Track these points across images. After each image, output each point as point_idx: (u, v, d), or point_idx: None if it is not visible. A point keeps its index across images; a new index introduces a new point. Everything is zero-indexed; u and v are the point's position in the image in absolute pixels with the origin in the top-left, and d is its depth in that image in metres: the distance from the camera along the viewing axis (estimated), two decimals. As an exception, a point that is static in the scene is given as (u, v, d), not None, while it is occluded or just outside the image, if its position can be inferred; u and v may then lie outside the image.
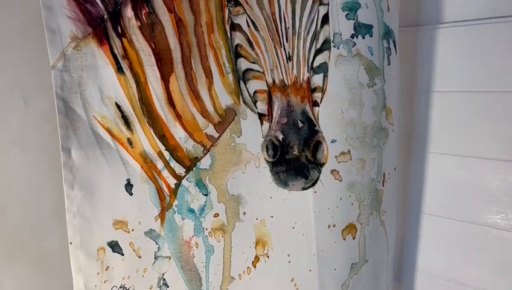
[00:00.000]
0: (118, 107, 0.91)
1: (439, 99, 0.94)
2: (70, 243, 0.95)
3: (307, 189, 0.87)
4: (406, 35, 0.95)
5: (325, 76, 0.85)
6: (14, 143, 1.09)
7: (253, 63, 0.86)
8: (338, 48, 0.84)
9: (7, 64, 1.05)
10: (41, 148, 1.10)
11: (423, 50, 0.96)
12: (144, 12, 0.86)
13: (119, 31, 0.87)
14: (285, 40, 0.84)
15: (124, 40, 0.88)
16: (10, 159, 1.09)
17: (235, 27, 0.85)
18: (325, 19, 0.83)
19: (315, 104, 0.85)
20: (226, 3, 0.85)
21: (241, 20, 0.85)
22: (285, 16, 0.83)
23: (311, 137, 0.84)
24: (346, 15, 0.83)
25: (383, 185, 0.91)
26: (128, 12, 0.86)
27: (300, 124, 0.84)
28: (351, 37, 0.83)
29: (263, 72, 0.85)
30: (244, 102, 0.89)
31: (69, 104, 0.90)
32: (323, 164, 0.86)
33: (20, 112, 1.08)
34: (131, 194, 0.94)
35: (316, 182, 0.86)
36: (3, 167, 1.09)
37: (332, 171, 0.87)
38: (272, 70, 0.85)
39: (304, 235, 0.90)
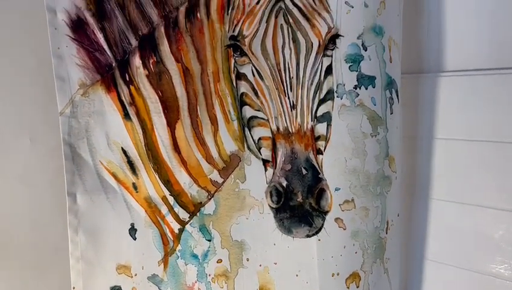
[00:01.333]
0: (124, 152, 0.93)
1: (441, 147, 0.95)
2: (73, 288, 0.95)
3: (310, 236, 0.87)
4: (407, 81, 0.97)
5: (329, 125, 0.86)
6: (19, 181, 1.10)
7: (258, 110, 0.88)
8: (341, 98, 0.85)
9: (14, 104, 1.08)
10: (46, 186, 1.11)
11: (425, 97, 0.98)
12: (151, 61, 0.88)
13: (127, 79, 0.90)
14: (289, 89, 0.86)
15: (131, 87, 0.90)
16: (15, 197, 1.10)
17: (240, 76, 0.87)
18: (329, 70, 0.85)
19: (319, 152, 0.86)
20: (232, 53, 0.87)
21: (247, 70, 0.87)
22: (290, 66, 0.85)
23: (315, 184, 0.85)
24: (349, 67, 0.84)
25: (386, 233, 0.91)
26: (137, 61, 0.89)
27: (304, 171, 0.85)
28: (354, 88, 0.85)
29: (267, 120, 0.87)
30: (249, 148, 0.90)
31: (76, 150, 0.92)
32: (327, 211, 0.86)
33: (26, 151, 1.10)
34: (134, 238, 0.95)
35: (320, 229, 0.86)
36: (8, 205, 1.10)
37: (336, 219, 0.87)
38: (276, 117, 0.86)
39: (307, 284, 0.89)
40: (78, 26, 0.89)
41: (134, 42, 0.88)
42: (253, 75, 0.86)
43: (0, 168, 1.09)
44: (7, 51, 1.05)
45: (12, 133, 1.09)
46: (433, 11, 0.96)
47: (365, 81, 0.85)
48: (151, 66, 0.88)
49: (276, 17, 0.84)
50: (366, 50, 0.85)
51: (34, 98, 1.08)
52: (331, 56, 0.85)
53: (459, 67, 0.94)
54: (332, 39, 0.85)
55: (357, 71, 0.85)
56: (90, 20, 0.88)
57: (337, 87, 0.85)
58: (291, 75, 0.85)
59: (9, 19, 1.03)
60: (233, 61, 0.87)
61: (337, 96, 0.85)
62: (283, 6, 0.84)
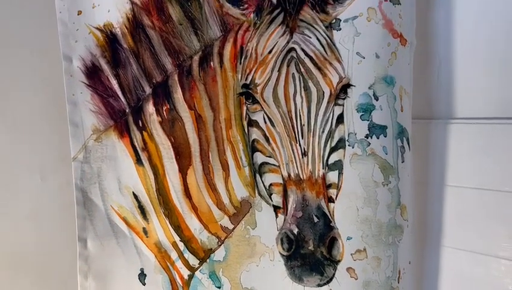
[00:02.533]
0: (135, 197, 0.93)
1: (452, 194, 0.95)
2: (82, 334, 0.94)
3: (322, 286, 0.86)
4: (417, 126, 0.97)
5: (340, 173, 0.86)
6: (28, 219, 1.10)
7: (269, 157, 0.88)
8: (353, 147, 0.85)
9: (25, 141, 1.09)
10: (55, 224, 1.12)
11: (435, 143, 0.98)
12: (165, 108, 0.89)
13: (140, 125, 0.91)
14: (300, 136, 0.86)
15: (144, 133, 0.91)
16: (24, 234, 1.10)
17: (252, 123, 0.88)
18: (340, 119, 0.85)
19: (330, 200, 0.86)
20: (244, 101, 0.88)
21: (258, 117, 0.87)
22: (301, 114, 0.86)
23: (326, 233, 0.84)
24: (361, 116, 0.85)
25: (398, 282, 0.90)
26: (150, 108, 0.90)
27: (315, 219, 0.84)
28: (365, 137, 0.85)
29: (279, 166, 0.87)
30: (260, 194, 0.90)
31: (88, 195, 0.92)
32: (339, 261, 0.85)
33: (36, 188, 1.11)
34: (144, 284, 0.94)
35: (331, 279, 0.85)
36: (17, 242, 1.10)
37: (348, 269, 0.86)
38: (288, 164, 0.86)
39: (318, 333, 0.88)
40: (93, 73, 0.91)
41: (148, 89, 0.90)
42: (265, 122, 0.87)
43: (10, 205, 1.10)
44: (21, 89, 1.07)
45: (23, 171, 1.10)
46: (443, 59, 0.97)
47: (377, 130, 0.86)
48: (165, 112, 0.89)
49: (288, 66, 0.86)
50: (377, 100, 0.85)
51: (45, 136, 1.09)
52: (343, 105, 0.86)
53: (470, 114, 0.95)
54: (344, 89, 0.86)
55: (368, 121, 0.85)
56: (105, 67, 0.90)
57: (348, 136, 0.86)
58: (303, 123, 0.86)
59: (24, 59, 1.05)
60: (245, 108, 0.88)
61: (349, 145, 0.86)
62: (295, 56, 0.86)
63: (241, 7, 0.86)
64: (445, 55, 0.97)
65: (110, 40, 0.90)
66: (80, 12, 0.89)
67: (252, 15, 0.86)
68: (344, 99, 0.86)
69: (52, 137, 1.08)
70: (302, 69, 0.86)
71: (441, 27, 0.97)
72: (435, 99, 1.00)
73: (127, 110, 0.91)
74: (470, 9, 0.93)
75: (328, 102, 0.86)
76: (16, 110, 1.08)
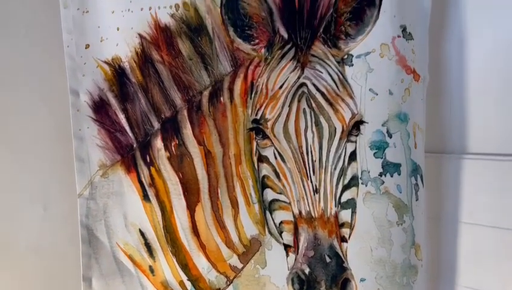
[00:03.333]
0: (142, 234, 0.91)
1: (467, 232, 0.93)
2: None
3: (334, 329, 0.84)
4: (430, 160, 0.95)
5: (353, 212, 0.84)
6: (31, 250, 1.07)
7: (280, 193, 0.86)
8: (366, 185, 0.84)
9: (28, 171, 1.06)
10: (58, 255, 1.09)
11: (448, 178, 0.96)
12: (173, 144, 0.88)
13: (148, 160, 0.89)
14: (312, 172, 0.85)
15: (152, 168, 0.89)
16: (27, 266, 1.07)
17: (262, 159, 0.86)
18: (353, 156, 0.84)
19: (343, 239, 0.84)
20: (254, 136, 0.86)
21: (269, 153, 0.85)
22: (312, 150, 0.84)
23: (339, 274, 0.82)
24: (374, 153, 0.83)
25: (413, 324, 0.88)
26: (158, 143, 0.88)
27: (327, 259, 0.82)
28: (379, 175, 0.83)
29: (289, 203, 0.85)
30: (270, 232, 0.88)
31: (93, 232, 0.90)
32: (352, 303, 0.84)
33: (39, 219, 1.08)
34: (149, 323, 0.92)
35: (344, 322, 0.83)
36: (19, 274, 1.07)
37: (361, 312, 0.84)
38: (299, 201, 0.84)
39: None
40: (100, 108, 0.89)
41: (156, 124, 0.88)
42: (275, 158, 0.85)
43: (12, 236, 1.07)
44: (26, 118, 1.05)
45: (26, 201, 1.08)
46: (455, 93, 0.95)
47: (390, 168, 0.84)
48: (173, 148, 0.87)
49: (299, 101, 0.84)
50: (391, 137, 0.84)
51: (49, 166, 1.07)
52: (355, 142, 0.84)
53: (484, 150, 0.93)
54: (356, 125, 0.84)
55: (382, 158, 0.84)
56: (113, 101, 0.89)
57: (361, 174, 0.84)
58: (314, 159, 0.84)
59: (32, 89, 1.04)
60: (255, 144, 0.87)
61: (362, 183, 0.84)
62: (306, 91, 0.84)
63: (252, 42, 0.85)
64: (457, 89, 0.96)
65: (118, 74, 0.88)
66: (87, 46, 0.88)
67: (262, 50, 0.85)
68: (357, 136, 0.84)
69: (56, 167, 1.06)
70: (314, 105, 0.84)
71: (453, 61, 0.96)
72: (448, 133, 0.98)
73: (134, 145, 0.90)
74: (483, 43, 0.92)
75: (340, 138, 0.84)
76: (20, 139, 1.06)
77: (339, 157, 0.84)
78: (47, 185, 1.08)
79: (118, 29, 0.87)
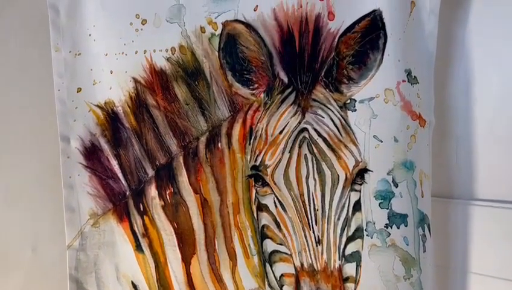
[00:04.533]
0: (134, 286, 0.86)
1: (477, 283, 0.88)
2: None
3: None
4: (437, 205, 0.90)
5: (358, 266, 0.79)
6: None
7: (280, 244, 0.81)
8: (371, 237, 0.79)
9: (17, 213, 1.02)
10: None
11: (456, 225, 0.92)
12: (168, 192, 0.84)
13: (141, 209, 0.85)
14: (314, 222, 0.80)
15: (145, 218, 0.85)
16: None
17: (262, 208, 0.82)
18: (357, 206, 0.80)
19: (347, 295, 0.80)
20: (253, 184, 0.82)
21: (269, 201, 0.81)
22: (314, 198, 0.80)
23: (343, 332, 0.78)
24: (380, 204, 0.79)
25: None
26: (152, 191, 0.84)
27: (331, 316, 0.78)
28: (385, 226, 0.79)
29: (291, 255, 0.80)
30: (270, 286, 0.83)
31: (83, 286, 0.86)
32: None
33: (27, 261, 1.04)
34: None
35: None
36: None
37: None
38: (300, 253, 0.80)
39: None
40: (91, 153, 0.86)
41: (150, 172, 0.84)
42: (276, 207, 0.81)
43: (0, 279, 1.03)
44: (15, 160, 1.01)
45: (14, 243, 1.03)
46: (461, 135, 0.92)
47: (397, 219, 0.80)
48: (168, 197, 0.83)
49: (300, 147, 0.81)
50: (397, 187, 0.80)
51: (38, 207, 1.03)
52: (360, 191, 0.80)
53: (493, 196, 0.89)
54: (361, 173, 0.80)
55: (388, 209, 0.79)
56: (105, 147, 0.85)
57: (366, 225, 0.80)
58: (316, 208, 0.80)
59: (23, 133, 1.01)
60: (254, 192, 0.82)
61: (367, 235, 0.79)
62: (307, 136, 0.81)
63: (251, 87, 0.81)
64: (464, 131, 0.92)
65: (111, 118, 0.85)
66: (79, 90, 0.85)
67: (262, 95, 0.81)
68: (361, 184, 0.80)
69: (45, 208, 1.02)
70: (315, 150, 0.80)
71: (459, 103, 0.92)
72: (455, 177, 0.94)
73: (127, 193, 0.86)
74: (491, 85, 0.89)
75: (343, 187, 0.80)
76: (8, 180, 1.03)
77: (343, 206, 0.80)
78: (35, 225, 1.04)
79: (111, 73, 0.83)
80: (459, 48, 0.93)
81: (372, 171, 0.80)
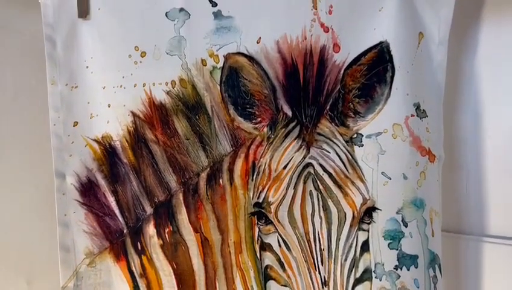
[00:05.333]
0: (131, 329, 0.83)
1: (490, 325, 0.85)
2: None
3: None
4: (447, 240, 0.87)
5: (367, 310, 0.77)
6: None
7: (285, 286, 0.78)
8: (380, 280, 0.75)
9: (13, 245, 0.99)
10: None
11: (467, 262, 0.88)
12: (167, 230, 0.80)
13: (139, 248, 0.81)
14: (320, 262, 0.77)
15: (143, 257, 0.81)
16: None
17: (265, 247, 0.79)
18: (365, 246, 0.76)
19: (355, 341, 0.76)
20: (256, 222, 0.79)
21: (272, 240, 0.78)
22: (320, 237, 0.77)
23: None
24: (389, 244, 0.76)
25: None
26: (151, 229, 0.80)
27: None
28: (394, 268, 0.76)
29: (296, 297, 0.78)
30: (274, 329, 0.80)
31: (79, 328, 0.82)
32: None
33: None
34: None
35: None
36: None
37: None
38: (306, 295, 0.77)
39: None
40: (88, 190, 0.82)
41: (149, 209, 0.81)
42: (280, 246, 0.78)
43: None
44: (11, 190, 0.98)
45: (10, 276, 1.00)
46: (472, 168, 0.89)
47: (407, 261, 0.76)
48: (167, 235, 0.80)
49: (304, 183, 0.78)
50: (406, 226, 0.76)
51: (33, 239, 0.99)
52: (368, 231, 0.77)
53: (505, 233, 0.85)
54: (369, 212, 0.77)
55: (397, 249, 0.76)
56: (102, 183, 0.82)
57: (375, 267, 0.76)
58: (322, 247, 0.76)
59: (20, 166, 0.98)
60: (257, 230, 0.79)
61: (376, 277, 0.76)
62: (312, 171, 0.78)
63: (254, 121, 0.79)
64: (474, 164, 0.89)
65: (108, 153, 0.82)
66: (76, 124, 0.82)
67: (265, 129, 0.79)
68: (369, 223, 0.77)
69: (41, 239, 0.98)
70: (321, 187, 0.77)
71: (469, 134, 0.89)
72: (465, 212, 0.90)
73: (124, 231, 0.82)
74: (501, 115, 0.86)
75: (350, 225, 0.77)
76: (4, 213, 0.99)
77: (350, 246, 0.76)
78: (30, 258, 1.00)
79: (109, 106, 0.80)
80: (468, 79, 0.90)
81: (380, 209, 0.77)
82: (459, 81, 0.90)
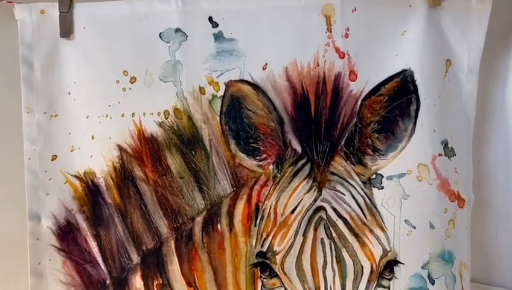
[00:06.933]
0: None
1: None
2: None
3: None
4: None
5: None
6: None
7: None
8: None
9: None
10: None
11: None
12: (156, 283, 0.71)
13: (124, 304, 0.73)
14: (334, 327, 0.68)
15: (128, 313, 0.72)
16: None
17: (269, 304, 0.70)
18: (386, 306, 0.68)
19: None
20: (259, 274, 0.69)
21: (278, 296, 0.70)
22: (333, 296, 0.68)
23: None
24: (415, 305, 0.68)
25: None
26: (137, 281, 0.71)
27: None
28: (421, 333, 0.67)
29: None
30: None
31: None
32: None
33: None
34: None
35: None
36: None
37: None
38: None
39: None
40: (66, 234, 0.73)
41: (135, 258, 0.72)
42: (286, 303, 0.70)
43: None
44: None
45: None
46: (502, 212, 0.80)
47: (436, 319, 0.67)
48: (155, 289, 0.70)
49: (315, 229, 0.69)
50: (433, 283, 0.67)
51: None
52: (388, 288, 0.67)
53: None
54: (390, 266, 0.68)
55: (423, 310, 0.67)
56: (83, 225, 0.73)
57: (398, 332, 0.67)
58: (337, 312, 0.68)
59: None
60: (260, 284, 0.70)
61: None
62: (324, 217, 0.68)
63: (258, 157, 0.70)
64: (504, 205, 0.81)
65: (91, 191, 0.73)
66: (54, 157, 0.73)
67: (271, 167, 0.70)
68: (390, 279, 0.68)
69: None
70: (334, 234, 0.68)
71: (498, 171, 0.81)
72: (494, 260, 0.81)
73: (107, 282, 0.73)
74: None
75: (368, 281, 0.67)
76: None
77: None
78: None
79: (92, 138, 0.72)
80: (498, 110, 0.82)
81: (403, 263, 0.68)
82: (488, 113, 0.81)
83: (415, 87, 0.68)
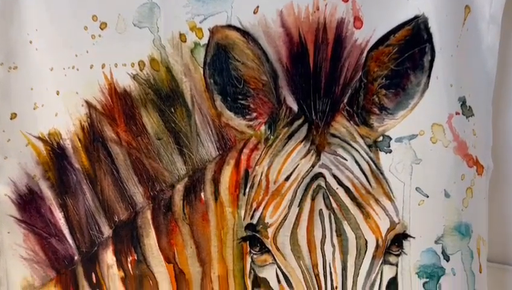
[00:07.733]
0: None
1: None
2: None
3: None
4: (491, 271, 0.71)
5: None
6: None
7: (286, 334, 0.64)
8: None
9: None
10: None
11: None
12: (130, 259, 0.65)
13: (94, 280, 0.67)
14: (331, 305, 0.62)
15: (99, 292, 0.67)
16: None
17: (259, 283, 0.63)
18: (392, 286, 0.61)
19: None
20: (248, 249, 0.63)
21: (269, 274, 0.62)
22: (332, 271, 0.61)
23: None
24: (424, 284, 0.60)
25: None
26: (109, 257, 0.65)
27: None
28: (432, 318, 0.61)
29: None
30: None
31: None
32: None
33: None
34: None
35: None
36: None
37: None
38: None
39: None
40: (28, 203, 0.66)
41: (107, 230, 0.66)
42: (279, 282, 0.63)
43: None
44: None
45: None
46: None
47: (448, 307, 0.61)
48: (130, 266, 0.65)
49: (313, 199, 0.62)
50: (448, 260, 0.61)
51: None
52: (396, 265, 0.61)
53: None
54: (398, 240, 0.61)
55: (435, 292, 0.62)
56: (47, 194, 0.66)
57: (408, 319, 0.61)
58: (335, 284, 0.61)
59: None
60: (249, 260, 0.64)
61: (408, 333, 0.61)
62: (323, 184, 0.62)
63: (248, 116, 0.62)
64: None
65: (56, 155, 0.65)
66: (13, 116, 0.65)
67: (262, 127, 0.63)
68: (398, 255, 0.62)
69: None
70: (334, 205, 0.62)
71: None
72: (512, 237, 0.77)
73: (75, 258, 0.67)
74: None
75: (373, 257, 0.61)
76: None
77: (372, 285, 0.61)
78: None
79: (57, 94, 0.64)
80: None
81: (413, 237, 0.62)
82: (509, 69, 0.72)
83: (429, 35, 0.60)
